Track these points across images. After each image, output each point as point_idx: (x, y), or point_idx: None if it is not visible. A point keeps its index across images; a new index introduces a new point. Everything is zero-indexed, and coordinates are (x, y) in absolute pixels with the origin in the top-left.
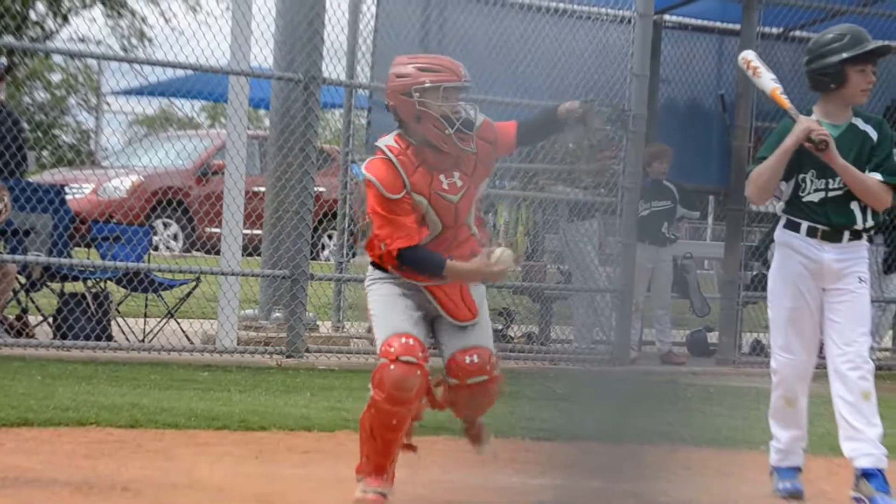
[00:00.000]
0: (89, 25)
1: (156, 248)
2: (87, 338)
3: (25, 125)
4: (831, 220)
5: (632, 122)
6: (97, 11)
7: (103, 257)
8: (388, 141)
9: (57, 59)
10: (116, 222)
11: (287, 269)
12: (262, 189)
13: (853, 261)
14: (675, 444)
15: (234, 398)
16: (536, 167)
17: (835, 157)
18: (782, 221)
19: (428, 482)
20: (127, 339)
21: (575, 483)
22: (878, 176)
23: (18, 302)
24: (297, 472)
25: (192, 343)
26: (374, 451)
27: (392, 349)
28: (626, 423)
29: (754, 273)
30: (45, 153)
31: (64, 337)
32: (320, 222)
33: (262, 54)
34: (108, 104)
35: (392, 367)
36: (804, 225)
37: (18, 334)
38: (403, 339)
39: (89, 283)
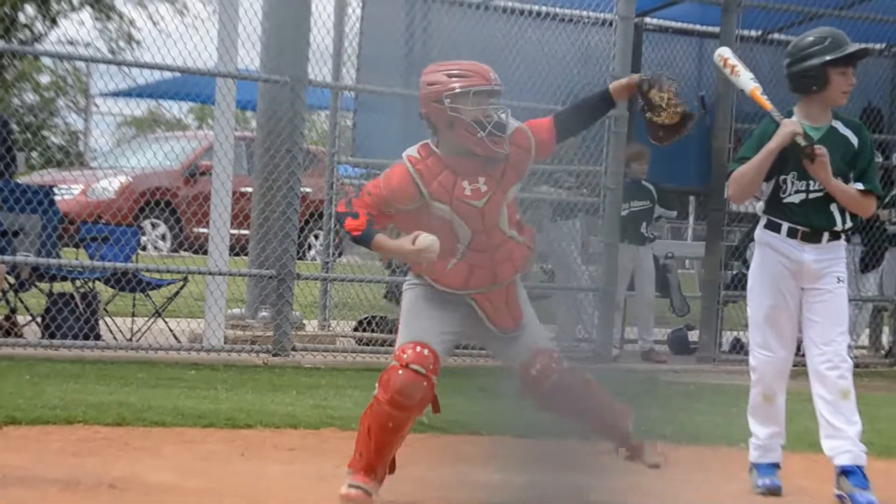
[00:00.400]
0: (78, 28)
1: (144, 249)
2: (76, 337)
3: (15, 127)
4: (812, 223)
5: (614, 123)
6: (86, 14)
7: (92, 257)
8: (410, 151)
9: (46, 61)
10: (105, 223)
11: (274, 268)
12: (250, 190)
13: (832, 261)
14: (653, 440)
15: (221, 396)
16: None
17: (824, 174)
18: (763, 222)
19: (412, 478)
20: (115, 339)
21: (555, 480)
22: (859, 185)
23: (7, 302)
24: (282, 469)
25: (179, 342)
26: (367, 450)
27: (405, 355)
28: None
29: (734, 272)
30: (34, 154)
31: (52, 336)
32: (307, 222)
33: (249, 56)
34: (96, 106)
35: (400, 372)
36: (785, 226)
37: (7, 334)
38: (418, 348)
39: (78, 283)
